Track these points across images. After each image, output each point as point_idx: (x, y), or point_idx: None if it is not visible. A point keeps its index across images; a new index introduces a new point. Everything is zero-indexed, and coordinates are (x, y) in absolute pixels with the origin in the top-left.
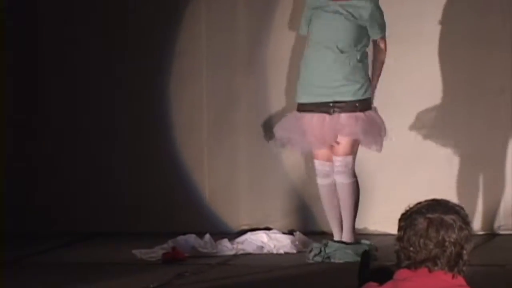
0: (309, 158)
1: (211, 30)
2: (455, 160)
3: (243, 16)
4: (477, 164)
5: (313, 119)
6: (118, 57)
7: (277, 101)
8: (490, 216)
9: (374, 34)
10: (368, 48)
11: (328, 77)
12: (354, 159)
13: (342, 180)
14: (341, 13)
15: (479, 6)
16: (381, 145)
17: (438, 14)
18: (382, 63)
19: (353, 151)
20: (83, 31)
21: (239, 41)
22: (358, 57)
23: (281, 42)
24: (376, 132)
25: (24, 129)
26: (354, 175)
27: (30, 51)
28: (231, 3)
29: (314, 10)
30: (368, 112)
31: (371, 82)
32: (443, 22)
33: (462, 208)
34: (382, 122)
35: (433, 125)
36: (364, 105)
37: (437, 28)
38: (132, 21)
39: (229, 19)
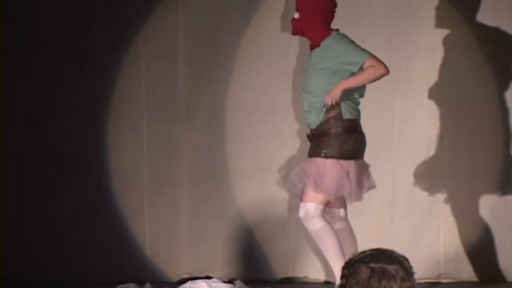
0: (251, 206)
1: (151, 79)
2: (395, 207)
3: (183, 65)
4: (417, 213)
5: None
6: (55, 106)
7: (217, 149)
8: (432, 264)
9: (354, 67)
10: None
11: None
12: (314, 205)
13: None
14: (310, 63)
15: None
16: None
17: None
18: (371, 73)
19: (309, 197)
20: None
21: (179, 91)
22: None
23: (221, 91)
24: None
25: None
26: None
27: None
28: (171, 52)
29: None
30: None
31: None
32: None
33: (406, 259)
34: (311, 169)
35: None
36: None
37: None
38: (68, 69)
39: (169, 68)
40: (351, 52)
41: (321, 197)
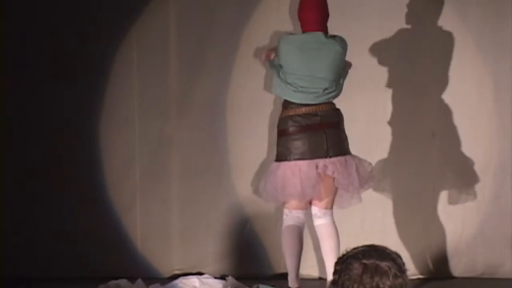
0: (241, 203)
1: (142, 76)
2: (388, 204)
3: (175, 62)
4: (407, 209)
5: None
6: (48, 102)
7: (209, 146)
8: (424, 260)
9: None
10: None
11: None
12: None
13: None
14: None
15: (407, 48)
16: None
17: (368, 60)
18: None
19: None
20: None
21: (171, 88)
22: None
23: (216, 88)
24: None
25: None
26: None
27: None
28: (163, 48)
29: None
30: None
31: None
32: (374, 68)
33: (399, 256)
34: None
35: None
36: None
37: (369, 75)
38: (61, 65)
39: (161, 65)
40: None
41: None
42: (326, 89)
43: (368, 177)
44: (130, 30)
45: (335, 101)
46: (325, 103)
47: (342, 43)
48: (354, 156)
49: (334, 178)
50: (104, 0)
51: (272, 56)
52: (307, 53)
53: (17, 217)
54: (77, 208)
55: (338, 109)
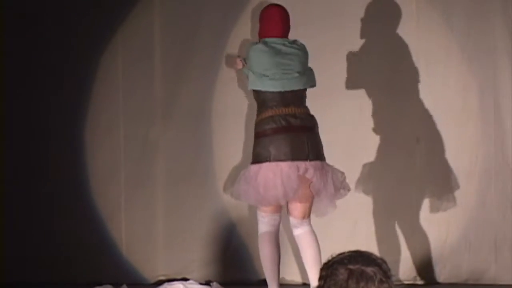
0: (227, 208)
1: (127, 82)
2: (372, 210)
3: (160, 68)
4: (392, 214)
5: None
6: (33, 106)
7: (194, 151)
8: (409, 266)
9: None
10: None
11: None
12: None
13: None
14: None
15: (392, 53)
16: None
17: (353, 66)
18: None
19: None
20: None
21: (156, 93)
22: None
23: (201, 93)
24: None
25: None
26: None
27: None
28: (148, 54)
29: None
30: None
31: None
32: (358, 74)
33: (384, 262)
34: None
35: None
36: None
37: (353, 80)
38: (47, 70)
39: (146, 69)
40: None
41: None
42: (299, 72)
43: (340, 186)
44: (115, 35)
45: (314, 105)
46: (301, 106)
47: (304, 47)
48: (328, 164)
49: (311, 183)
50: (89, 6)
51: (242, 64)
52: (275, 54)
53: None
54: (61, 213)
55: (313, 115)
